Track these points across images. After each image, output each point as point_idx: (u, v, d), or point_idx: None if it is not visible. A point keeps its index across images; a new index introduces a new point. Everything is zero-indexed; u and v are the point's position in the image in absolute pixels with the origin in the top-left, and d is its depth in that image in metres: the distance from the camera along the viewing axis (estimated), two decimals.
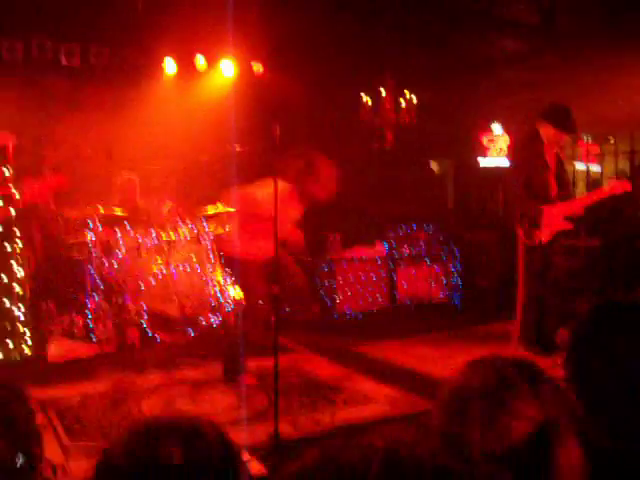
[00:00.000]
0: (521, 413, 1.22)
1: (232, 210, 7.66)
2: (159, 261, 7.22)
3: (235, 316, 7.53)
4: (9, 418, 1.37)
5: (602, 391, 1.64)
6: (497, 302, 8.00)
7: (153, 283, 7.09)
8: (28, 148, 7.78)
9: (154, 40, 8.28)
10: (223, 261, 7.63)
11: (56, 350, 6.53)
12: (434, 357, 6.51)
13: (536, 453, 1.21)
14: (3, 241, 6.53)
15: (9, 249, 6.56)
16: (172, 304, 7.14)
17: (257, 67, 8.93)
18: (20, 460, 1.21)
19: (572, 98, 7.32)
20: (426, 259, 9.07)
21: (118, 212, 7.38)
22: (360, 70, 8.84)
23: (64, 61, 8.11)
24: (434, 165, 11.02)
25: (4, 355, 6.46)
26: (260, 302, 5.68)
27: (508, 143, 9.99)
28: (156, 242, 7.28)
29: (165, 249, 7.29)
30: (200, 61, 8.78)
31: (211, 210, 7.74)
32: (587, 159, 11.43)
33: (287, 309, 7.83)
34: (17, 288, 6.58)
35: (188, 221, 7.59)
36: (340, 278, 8.52)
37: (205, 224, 7.60)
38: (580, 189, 10.45)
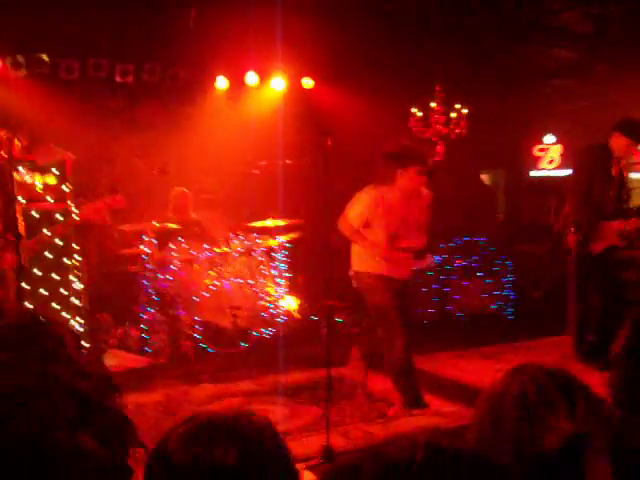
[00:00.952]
0: (554, 426, 1.22)
1: (281, 223, 7.75)
2: (212, 274, 7.31)
3: (287, 328, 7.61)
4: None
5: None
6: (550, 314, 7.89)
7: (206, 295, 7.19)
8: (85, 165, 7.98)
9: (206, 57, 8.41)
10: (275, 273, 7.70)
11: (111, 361, 6.66)
12: (486, 370, 6.45)
13: (566, 466, 1.20)
14: (62, 256, 6.71)
15: (68, 263, 6.74)
16: (224, 316, 7.22)
17: (307, 82, 9.01)
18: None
19: (624, 108, 7.23)
20: (478, 272, 9.01)
21: (172, 226, 7.51)
22: (410, 83, 8.85)
23: (118, 78, 8.30)
24: (485, 177, 10.94)
25: None
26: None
27: (560, 153, 9.88)
28: (209, 255, 7.39)
29: (218, 262, 7.39)
30: (251, 77, 8.89)
31: (263, 223, 7.82)
32: None
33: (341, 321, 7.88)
34: (75, 300, 6.75)
35: (240, 234, 7.68)
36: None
37: (256, 237, 7.68)
38: (635, 198, 10.25)
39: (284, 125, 8.67)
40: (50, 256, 6.59)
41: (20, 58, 7.82)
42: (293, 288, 8.05)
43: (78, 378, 1.15)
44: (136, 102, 8.71)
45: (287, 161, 8.13)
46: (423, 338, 8.00)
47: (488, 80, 9.20)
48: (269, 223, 7.72)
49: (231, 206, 8.71)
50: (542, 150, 10.00)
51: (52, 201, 6.63)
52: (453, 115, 8.81)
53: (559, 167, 9.81)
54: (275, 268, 7.79)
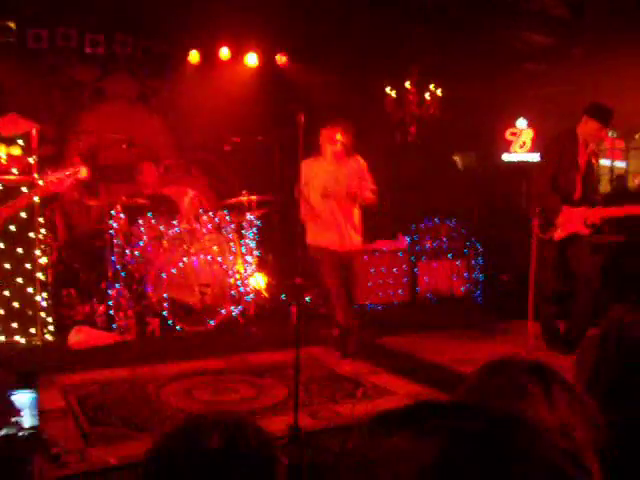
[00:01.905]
0: (533, 421, 1.18)
1: (253, 199, 7.68)
2: (180, 250, 7.22)
3: (255, 306, 7.56)
4: None
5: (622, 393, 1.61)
6: (519, 298, 7.94)
7: (174, 272, 7.10)
8: (52, 136, 7.82)
9: (179, 30, 8.27)
10: (244, 251, 7.64)
11: (77, 337, 6.57)
12: (454, 352, 6.47)
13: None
14: (27, 229, 6.57)
15: (32, 236, 6.60)
16: (193, 293, 7.14)
17: (281, 59, 8.92)
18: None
19: (598, 93, 7.24)
20: (448, 253, 9.03)
21: (141, 201, 7.40)
22: (385, 62, 8.79)
23: (88, 50, 8.13)
24: (457, 159, 10.95)
25: (26, 341, 6.51)
26: None
27: (532, 137, 9.90)
28: (178, 231, 7.29)
29: (187, 238, 7.30)
30: (224, 52, 8.77)
31: (233, 200, 7.74)
32: (612, 155, 11.32)
33: (308, 299, 7.85)
34: (40, 275, 6.63)
35: (210, 211, 7.59)
36: (361, 271, 8.50)
37: (227, 214, 7.60)
38: (603, 185, 10.34)
39: (257, 101, 8.57)
40: (14, 229, 6.44)
41: None
42: (262, 266, 8.00)
43: None
44: (106, 74, 8.54)
45: (259, 137, 8.04)
46: (392, 319, 8.05)
47: (462, 62, 9.16)
48: (242, 198, 7.65)
49: (202, 182, 8.60)
50: (514, 134, 10.02)
51: (17, 173, 6.48)
52: (427, 96, 8.77)
53: (530, 151, 9.84)
54: (245, 245, 7.73)
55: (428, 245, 8.95)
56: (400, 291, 8.74)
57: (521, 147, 9.98)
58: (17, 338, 6.49)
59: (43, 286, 6.67)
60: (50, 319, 6.70)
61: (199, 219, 7.46)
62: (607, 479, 1.05)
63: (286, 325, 6.59)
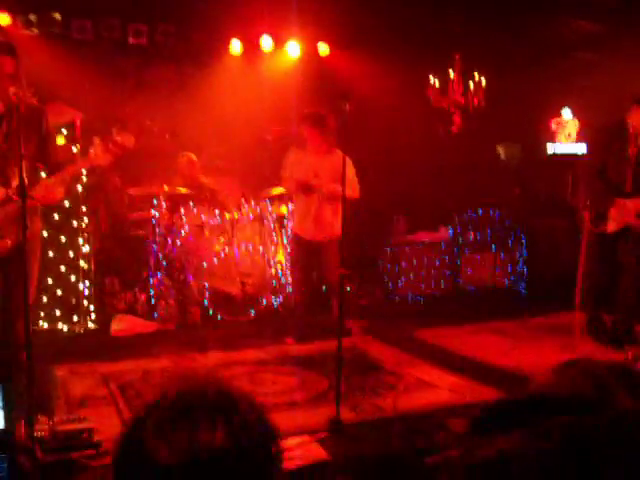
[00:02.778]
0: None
1: None
2: (222, 240, 7.22)
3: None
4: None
5: None
6: (564, 291, 7.78)
7: (215, 262, 7.11)
8: (95, 126, 7.86)
9: (220, 20, 8.25)
10: (285, 241, 7.61)
11: (119, 326, 6.61)
12: (496, 345, 6.37)
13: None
14: (70, 217, 6.63)
15: (75, 225, 6.65)
16: (233, 283, 7.14)
17: (322, 47, 8.84)
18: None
19: None
20: (491, 245, 8.89)
21: (182, 191, 7.41)
22: (429, 51, 8.67)
23: (132, 40, 8.16)
24: (501, 149, 10.77)
25: (68, 329, 6.58)
26: None
27: (577, 128, 9.70)
28: (219, 221, 7.29)
29: (228, 228, 7.29)
30: (266, 42, 8.73)
31: (275, 190, 7.70)
32: None
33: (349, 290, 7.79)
34: (83, 264, 6.68)
35: (252, 201, 7.57)
36: (403, 262, 8.44)
37: (268, 204, 7.57)
38: None
39: (298, 90, 8.51)
40: (58, 217, 6.50)
41: (32, 17, 7.69)
42: None
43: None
44: (148, 63, 8.57)
45: (300, 127, 7.97)
46: (433, 312, 7.95)
47: (508, 51, 8.99)
48: (282, 190, 7.62)
49: (243, 172, 8.58)
50: (559, 124, 9.82)
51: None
52: (471, 86, 8.62)
53: (576, 142, 9.64)
54: (286, 236, 7.69)
55: (471, 236, 8.83)
56: (442, 283, 8.64)
57: (567, 138, 9.79)
58: (60, 325, 6.56)
59: (86, 274, 6.72)
60: (92, 307, 6.75)
61: (240, 209, 7.45)
62: None
63: (327, 315, 6.54)
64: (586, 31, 9.04)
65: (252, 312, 7.17)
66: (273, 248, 7.52)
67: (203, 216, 7.28)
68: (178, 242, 7.18)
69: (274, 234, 7.56)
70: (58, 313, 6.55)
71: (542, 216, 9.05)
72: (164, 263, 7.13)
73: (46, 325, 6.51)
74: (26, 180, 3.69)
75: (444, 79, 8.57)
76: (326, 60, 8.93)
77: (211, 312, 7.01)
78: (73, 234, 6.63)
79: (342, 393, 4.30)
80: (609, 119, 6.48)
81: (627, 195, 6.06)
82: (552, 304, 7.56)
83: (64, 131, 6.61)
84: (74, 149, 6.60)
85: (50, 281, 6.50)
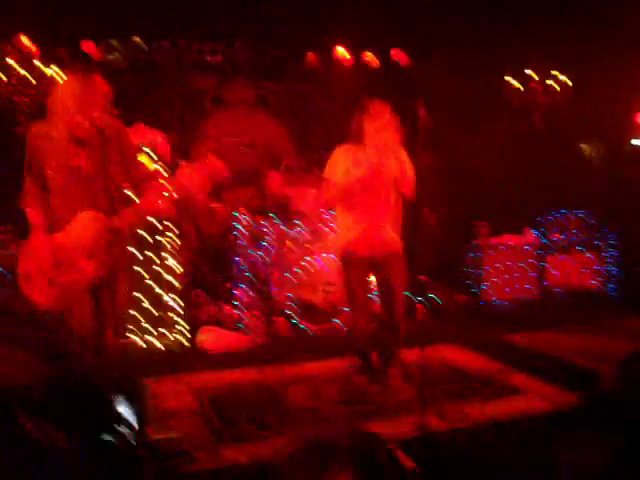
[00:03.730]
0: None
1: None
2: (304, 250, 7.28)
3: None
4: None
5: None
6: None
7: (298, 272, 7.17)
8: (175, 144, 8.05)
9: (294, 32, 8.34)
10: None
11: (205, 337, 6.73)
12: (588, 349, 6.17)
13: None
14: (156, 233, 6.80)
15: (162, 240, 6.82)
16: (317, 293, 7.18)
17: (397, 54, 8.83)
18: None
19: None
20: (579, 246, 8.66)
21: (263, 203, 7.51)
22: (508, 50, 8.53)
23: (209, 58, 8.33)
24: (585, 148, 10.49)
25: (162, 343, 6.73)
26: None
27: None
28: (301, 231, 7.35)
29: (310, 238, 7.35)
30: (340, 52, 8.77)
31: None
32: None
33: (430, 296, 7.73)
34: (170, 278, 6.84)
35: (332, 210, 7.60)
36: (488, 266, 8.31)
37: None
38: None
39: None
40: (145, 233, 6.68)
41: (114, 42, 7.95)
42: None
43: None
44: (225, 80, 8.72)
45: None
46: (520, 315, 7.79)
47: (589, 46, 8.76)
48: None
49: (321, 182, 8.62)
50: None
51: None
52: (552, 84, 8.44)
53: None
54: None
55: (557, 238, 8.63)
56: (528, 286, 8.47)
57: None
58: (149, 339, 6.73)
59: (173, 288, 6.87)
60: (180, 320, 6.90)
61: (322, 219, 7.50)
62: None
63: (412, 322, 6.49)
64: None
65: (336, 321, 7.19)
66: None
67: (285, 227, 7.36)
68: (260, 253, 7.27)
69: None
70: (147, 326, 6.72)
71: (631, 214, 8.75)
72: (248, 274, 7.23)
73: (138, 339, 6.68)
74: (115, 204, 3.82)
75: (522, 77, 8.43)
76: (400, 66, 8.90)
77: (295, 322, 7.06)
78: (159, 249, 6.80)
79: (428, 400, 4.26)
80: None
81: None
82: None
83: (147, 151, 6.80)
84: (160, 169, 6.77)
85: (139, 295, 6.68)
